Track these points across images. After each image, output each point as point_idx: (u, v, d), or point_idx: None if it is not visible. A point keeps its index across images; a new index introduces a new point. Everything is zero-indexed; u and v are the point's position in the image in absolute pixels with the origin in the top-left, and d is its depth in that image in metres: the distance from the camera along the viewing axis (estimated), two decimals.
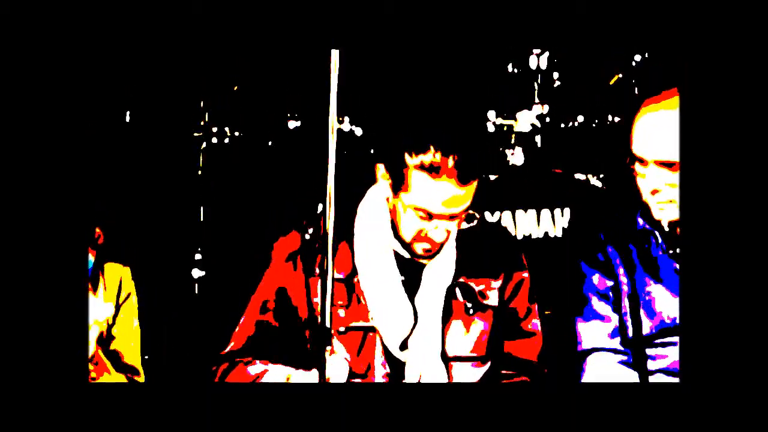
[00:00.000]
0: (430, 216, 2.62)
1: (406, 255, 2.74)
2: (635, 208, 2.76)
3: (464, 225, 2.73)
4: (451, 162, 2.56)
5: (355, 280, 2.73)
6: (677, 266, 2.71)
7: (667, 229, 2.71)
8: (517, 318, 2.81)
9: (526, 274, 2.83)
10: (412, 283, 2.75)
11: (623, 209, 2.80)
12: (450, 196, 2.59)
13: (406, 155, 2.60)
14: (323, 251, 2.21)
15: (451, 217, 2.63)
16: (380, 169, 2.70)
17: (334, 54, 2.19)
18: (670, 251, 2.72)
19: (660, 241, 2.73)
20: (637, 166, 2.65)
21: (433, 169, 2.57)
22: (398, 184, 2.64)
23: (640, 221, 2.76)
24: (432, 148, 2.56)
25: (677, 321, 2.67)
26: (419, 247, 2.69)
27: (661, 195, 2.63)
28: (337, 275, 2.71)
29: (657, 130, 2.61)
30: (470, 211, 2.71)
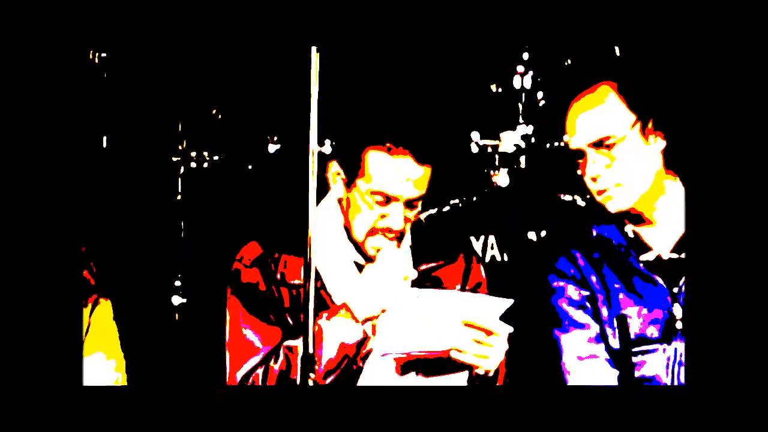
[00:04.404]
0: (387, 199, 2.59)
1: (362, 261, 2.68)
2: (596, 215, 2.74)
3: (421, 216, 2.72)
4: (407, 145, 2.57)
5: (323, 293, 2.67)
6: (646, 271, 2.68)
7: (631, 235, 2.70)
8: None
9: (483, 275, 2.81)
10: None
11: (592, 220, 2.78)
12: (408, 175, 2.57)
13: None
14: (306, 277, 2.17)
15: (408, 205, 2.60)
16: (333, 167, 2.67)
17: (314, 58, 2.17)
18: (641, 257, 2.69)
19: (625, 245, 2.71)
20: (581, 166, 2.64)
21: (390, 149, 2.57)
22: (353, 173, 2.61)
23: (601, 228, 2.74)
24: (388, 136, 2.58)
25: (648, 333, 2.66)
26: (370, 244, 2.63)
27: (603, 180, 2.62)
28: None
29: (586, 117, 2.62)
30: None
